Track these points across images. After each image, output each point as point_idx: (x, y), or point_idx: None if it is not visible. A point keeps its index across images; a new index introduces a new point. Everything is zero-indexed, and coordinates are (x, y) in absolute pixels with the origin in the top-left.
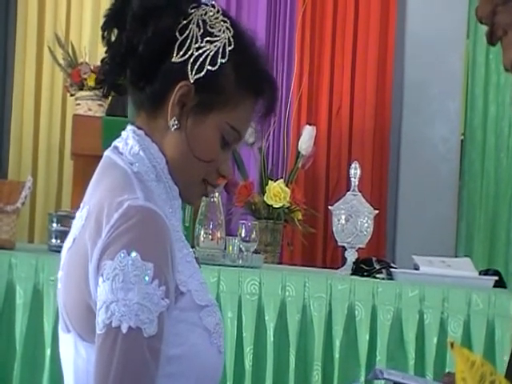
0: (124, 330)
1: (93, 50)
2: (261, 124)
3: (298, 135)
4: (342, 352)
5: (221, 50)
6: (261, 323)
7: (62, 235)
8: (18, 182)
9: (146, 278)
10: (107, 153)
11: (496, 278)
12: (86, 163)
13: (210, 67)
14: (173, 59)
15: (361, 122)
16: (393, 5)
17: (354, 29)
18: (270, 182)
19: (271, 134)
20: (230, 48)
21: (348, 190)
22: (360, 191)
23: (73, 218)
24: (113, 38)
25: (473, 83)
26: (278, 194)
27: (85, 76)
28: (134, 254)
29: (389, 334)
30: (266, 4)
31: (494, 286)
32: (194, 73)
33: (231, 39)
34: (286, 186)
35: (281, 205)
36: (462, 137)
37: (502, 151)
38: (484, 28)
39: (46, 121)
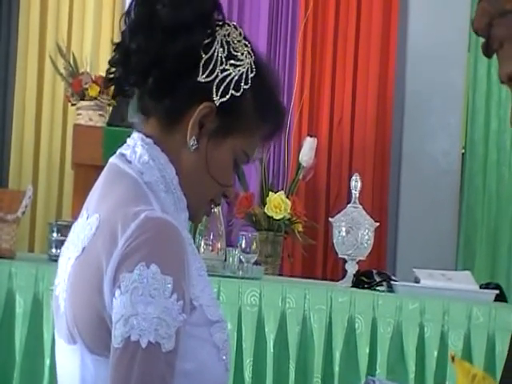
0: (143, 344)
1: (94, 60)
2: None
3: (299, 147)
4: (341, 364)
5: (244, 76)
6: (261, 335)
7: (62, 245)
8: (19, 191)
9: (166, 292)
10: (113, 160)
11: (497, 291)
12: (86, 173)
13: (234, 92)
14: (198, 78)
15: (362, 134)
16: (394, 18)
17: (356, 41)
18: (270, 193)
19: (272, 145)
20: (251, 74)
21: (349, 202)
22: (361, 203)
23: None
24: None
25: (474, 97)
26: (278, 205)
27: (86, 86)
28: (153, 266)
29: (389, 346)
30: (267, 14)
31: (495, 300)
32: (219, 96)
33: (253, 65)
34: (287, 197)
35: (281, 216)
36: (463, 150)
37: (504, 165)
38: None
39: (46, 130)
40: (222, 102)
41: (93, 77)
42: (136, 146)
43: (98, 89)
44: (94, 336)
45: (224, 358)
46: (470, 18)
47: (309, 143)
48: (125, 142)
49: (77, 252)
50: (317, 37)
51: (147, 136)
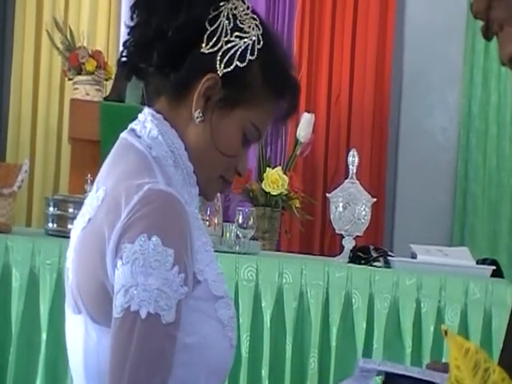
0: (143, 315)
1: (91, 35)
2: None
3: (297, 122)
4: (338, 340)
5: (250, 47)
6: (257, 310)
7: (59, 219)
8: (15, 164)
9: (167, 264)
10: (124, 135)
11: (493, 267)
12: (83, 147)
13: (238, 63)
14: (202, 49)
15: (359, 110)
16: None
17: (354, 17)
18: (268, 169)
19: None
20: (258, 46)
21: (346, 178)
22: (358, 179)
23: (70, 202)
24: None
25: (471, 72)
26: (275, 181)
27: (83, 60)
28: (154, 238)
29: (386, 322)
30: None
31: (492, 276)
32: (222, 66)
33: (260, 37)
34: (284, 173)
35: (279, 192)
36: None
37: (505, 139)
38: None
39: (43, 105)
40: (226, 73)
41: (89, 51)
42: (146, 121)
43: (95, 63)
44: (97, 305)
45: (229, 334)
46: None
47: (306, 119)
48: (122, 117)
49: (83, 223)
50: (314, 12)
51: (157, 112)
